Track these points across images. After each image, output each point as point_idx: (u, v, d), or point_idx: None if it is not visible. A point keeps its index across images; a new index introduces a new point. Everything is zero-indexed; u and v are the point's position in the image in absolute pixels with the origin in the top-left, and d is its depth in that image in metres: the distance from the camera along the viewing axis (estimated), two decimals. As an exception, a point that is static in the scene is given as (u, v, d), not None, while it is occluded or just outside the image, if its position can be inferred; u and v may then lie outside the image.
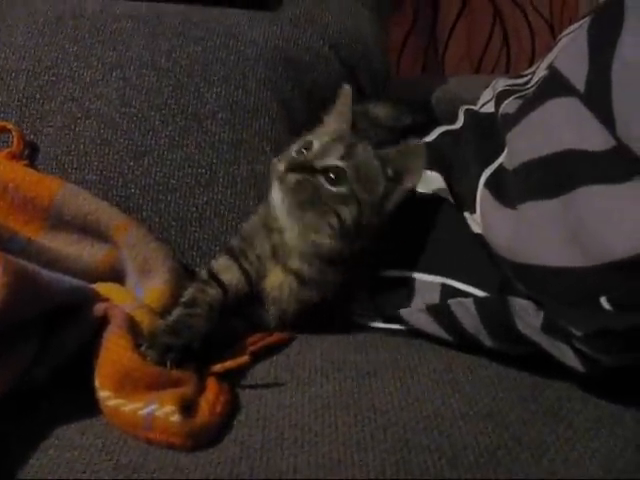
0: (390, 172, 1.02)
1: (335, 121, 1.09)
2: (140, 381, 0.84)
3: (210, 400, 0.84)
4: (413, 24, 2.65)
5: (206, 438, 0.80)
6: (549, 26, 2.72)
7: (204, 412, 0.82)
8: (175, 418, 0.78)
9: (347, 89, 1.09)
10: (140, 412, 0.80)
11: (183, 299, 1.01)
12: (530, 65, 1.25)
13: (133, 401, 0.82)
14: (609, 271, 0.72)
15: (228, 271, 1.06)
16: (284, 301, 1.06)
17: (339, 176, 0.98)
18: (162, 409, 0.79)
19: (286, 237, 1.04)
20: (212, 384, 0.87)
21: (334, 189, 0.98)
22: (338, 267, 1.03)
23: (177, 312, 0.98)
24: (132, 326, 0.91)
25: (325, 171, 0.98)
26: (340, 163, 0.99)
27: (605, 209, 0.73)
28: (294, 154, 1.02)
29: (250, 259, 1.08)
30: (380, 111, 1.34)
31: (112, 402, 0.82)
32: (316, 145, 1.01)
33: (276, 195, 1.02)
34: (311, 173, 0.98)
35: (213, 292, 1.02)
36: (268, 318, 1.07)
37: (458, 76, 2.14)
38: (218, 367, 0.92)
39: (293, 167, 0.98)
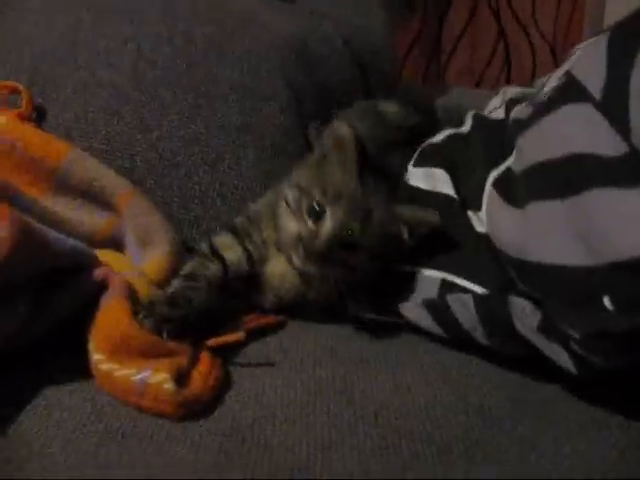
0: (405, 233, 1.01)
1: (340, 171, 1.01)
2: (135, 348, 0.84)
3: (203, 373, 0.84)
4: (418, 34, 2.66)
5: (197, 409, 0.81)
6: (550, 47, 2.75)
7: (197, 383, 0.82)
8: (168, 386, 0.79)
9: (348, 133, 1.01)
10: (133, 378, 0.80)
11: (183, 272, 1.01)
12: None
13: (126, 367, 0.82)
14: (614, 270, 0.74)
15: (230, 249, 1.06)
16: (283, 290, 1.07)
17: (358, 249, 0.98)
18: (155, 376, 0.79)
19: None
20: (205, 358, 0.88)
21: (354, 259, 0.98)
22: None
23: (176, 284, 0.98)
24: (130, 293, 0.91)
25: (345, 246, 0.98)
26: (357, 240, 0.98)
27: (615, 211, 0.74)
28: (307, 217, 0.99)
29: (254, 241, 1.07)
30: (389, 108, 1.35)
31: (105, 366, 0.82)
32: (329, 219, 0.97)
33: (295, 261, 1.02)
34: (330, 254, 0.97)
35: (214, 268, 1.02)
36: (265, 301, 1.07)
37: (460, 87, 2.16)
38: (212, 341, 0.92)
39: (312, 259, 0.97)
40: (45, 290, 0.87)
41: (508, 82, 2.75)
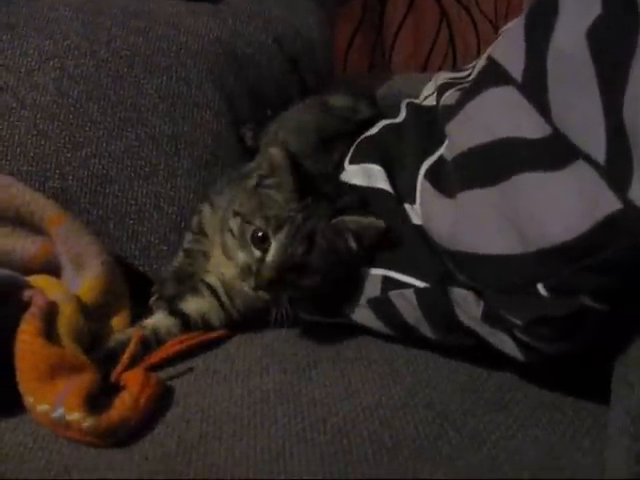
0: (352, 243, 0.99)
1: (279, 195, 0.99)
2: (42, 365, 0.82)
3: (134, 393, 0.83)
4: (360, 22, 2.65)
5: (126, 433, 0.79)
6: (494, 27, 2.75)
7: (126, 406, 0.81)
8: (87, 423, 0.77)
9: (280, 155, 0.98)
10: (52, 415, 0.78)
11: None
12: (476, 65, 1.25)
13: (40, 399, 0.80)
14: (545, 257, 0.73)
15: (188, 302, 1.08)
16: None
17: (307, 270, 0.97)
18: (71, 415, 0.77)
19: None
20: (139, 376, 0.86)
21: (305, 280, 0.97)
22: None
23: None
24: (48, 313, 0.89)
25: (294, 270, 0.96)
26: (304, 261, 0.96)
27: (541, 196, 0.73)
28: (252, 246, 0.97)
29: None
30: (338, 102, 1.33)
31: (27, 399, 0.81)
32: (274, 245, 0.95)
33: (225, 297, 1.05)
34: (280, 278, 0.96)
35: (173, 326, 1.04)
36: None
37: (404, 73, 2.14)
38: (147, 361, 0.93)
39: (263, 286, 0.95)
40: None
41: (454, 64, 2.75)
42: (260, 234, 0.96)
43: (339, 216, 0.98)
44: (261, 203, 0.99)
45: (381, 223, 0.98)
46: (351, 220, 0.98)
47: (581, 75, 0.72)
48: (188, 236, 1.15)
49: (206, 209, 1.13)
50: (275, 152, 0.99)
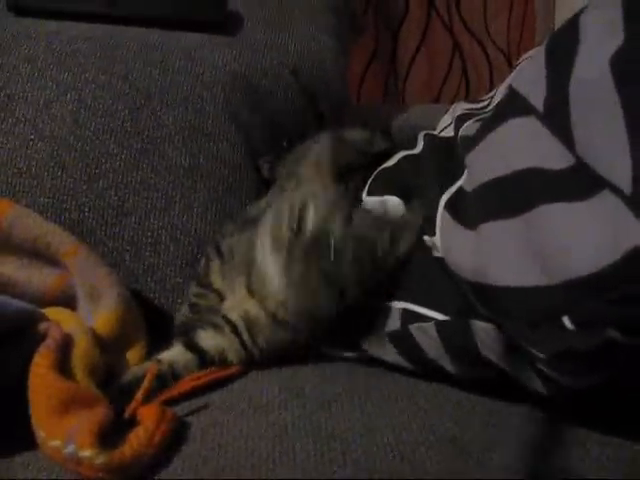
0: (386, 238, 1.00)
1: (314, 174, 1.04)
2: (53, 399, 0.81)
3: (149, 429, 0.80)
4: (373, 53, 2.66)
5: (140, 469, 0.77)
6: (507, 59, 2.76)
7: (140, 442, 0.78)
8: (100, 460, 0.74)
9: (326, 136, 1.04)
10: (63, 451, 0.76)
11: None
12: (488, 96, 1.25)
13: (51, 435, 0.78)
14: (571, 289, 0.71)
15: (207, 339, 1.05)
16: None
17: (340, 257, 0.96)
18: (83, 451, 0.75)
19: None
20: (154, 411, 0.84)
21: (336, 269, 0.96)
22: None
23: None
24: (63, 346, 0.88)
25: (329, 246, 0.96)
26: (341, 244, 0.96)
27: (566, 227, 0.72)
28: (286, 230, 0.97)
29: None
30: (354, 135, 1.33)
31: (39, 433, 0.79)
32: (312, 211, 0.97)
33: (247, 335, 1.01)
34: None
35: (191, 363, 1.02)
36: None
37: (419, 104, 2.15)
38: (163, 396, 0.91)
39: (299, 253, 0.95)
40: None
41: (467, 95, 2.75)
42: (297, 209, 0.97)
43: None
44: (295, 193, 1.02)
45: (417, 216, 1.00)
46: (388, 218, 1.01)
47: (605, 104, 0.71)
48: (193, 288, 1.13)
49: (213, 255, 1.12)
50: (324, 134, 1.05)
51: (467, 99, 2.42)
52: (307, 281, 0.95)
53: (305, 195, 1.00)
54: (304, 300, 0.97)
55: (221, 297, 1.09)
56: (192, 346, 1.03)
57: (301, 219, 0.97)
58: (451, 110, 1.25)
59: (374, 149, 1.28)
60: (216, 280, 1.10)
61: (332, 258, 0.94)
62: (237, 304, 1.05)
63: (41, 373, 0.83)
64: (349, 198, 1.00)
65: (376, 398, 0.92)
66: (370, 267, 0.98)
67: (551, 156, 0.76)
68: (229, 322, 1.05)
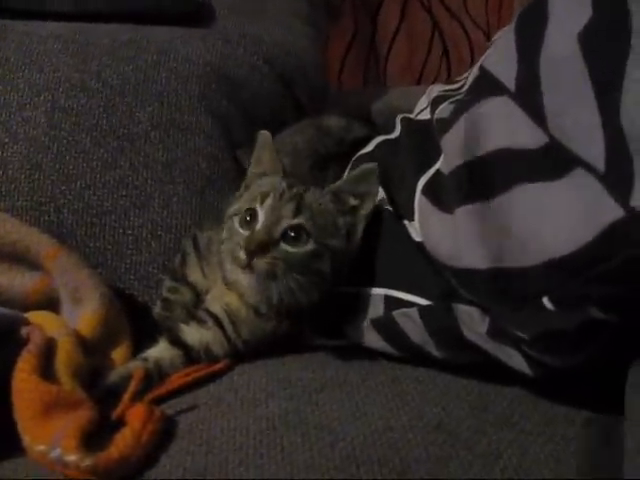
0: (352, 201, 0.99)
1: (265, 172, 1.02)
2: (36, 402, 0.81)
3: (136, 429, 0.80)
4: (353, 37, 2.65)
5: (127, 470, 0.77)
6: (486, 36, 2.74)
7: (127, 443, 0.78)
8: (86, 463, 0.74)
9: (266, 134, 1.03)
10: (49, 456, 0.76)
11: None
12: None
13: (36, 439, 0.78)
14: (549, 270, 0.71)
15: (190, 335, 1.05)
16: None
17: (300, 234, 0.94)
18: (68, 456, 0.75)
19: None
20: (141, 411, 0.84)
21: (302, 249, 0.95)
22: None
23: None
24: (45, 350, 0.88)
25: (284, 235, 0.94)
26: (295, 221, 0.94)
27: (541, 207, 0.72)
28: (240, 229, 0.96)
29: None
30: (332, 122, 1.33)
31: (25, 437, 0.79)
32: (261, 213, 0.95)
33: (244, 280, 0.98)
34: (274, 246, 0.93)
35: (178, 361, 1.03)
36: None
37: (399, 87, 2.14)
38: (149, 395, 0.91)
39: (255, 251, 0.92)
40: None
41: (449, 75, 2.74)
42: (249, 214, 0.95)
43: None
44: (249, 192, 1.01)
45: (371, 165, 0.98)
46: (344, 180, 1.00)
47: (575, 80, 0.71)
48: (167, 282, 1.14)
49: (190, 249, 1.12)
50: (263, 135, 1.03)
51: (448, 79, 2.43)
52: (270, 275, 0.95)
53: (260, 188, 0.99)
54: (272, 292, 0.97)
55: (195, 291, 1.10)
56: (177, 342, 1.03)
57: (253, 216, 0.96)
58: (427, 92, 1.24)
59: (352, 136, 1.28)
60: (192, 274, 1.11)
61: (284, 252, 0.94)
62: (218, 297, 1.05)
63: (24, 378, 0.82)
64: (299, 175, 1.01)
65: (363, 386, 0.92)
66: (337, 244, 0.98)
67: (524, 135, 0.76)
68: (212, 315, 1.05)
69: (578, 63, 0.71)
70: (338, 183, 0.99)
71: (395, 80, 2.71)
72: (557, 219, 0.70)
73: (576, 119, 0.70)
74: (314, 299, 0.98)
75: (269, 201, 0.95)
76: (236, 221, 0.97)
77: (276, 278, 0.94)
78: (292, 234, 0.94)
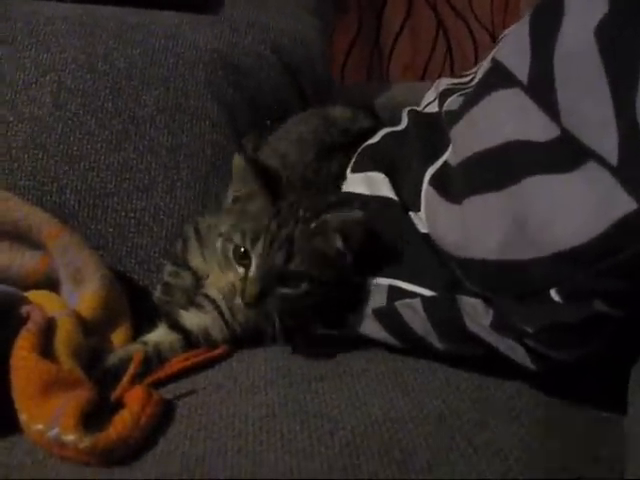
0: (338, 242, 0.96)
1: (252, 206, 0.98)
2: (36, 381, 0.80)
3: (134, 412, 0.80)
4: (357, 33, 2.64)
5: (125, 452, 0.77)
6: (491, 36, 2.74)
7: (125, 425, 0.78)
8: (84, 443, 0.74)
9: (239, 161, 0.98)
10: (47, 435, 0.76)
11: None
12: (473, 74, 1.24)
13: (34, 418, 0.78)
14: (558, 262, 0.71)
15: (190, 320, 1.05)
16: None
17: (293, 279, 0.94)
18: (67, 435, 0.75)
19: None
20: (140, 394, 0.83)
21: (296, 291, 0.95)
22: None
23: None
24: (45, 329, 0.88)
25: (278, 279, 0.94)
26: (288, 268, 0.94)
27: (552, 199, 0.72)
28: (235, 263, 0.95)
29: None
30: (337, 113, 1.31)
31: (22, 416, 0.79)
32: (254, 259, 0.93)
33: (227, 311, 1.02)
34: (269, 292, 0.94)
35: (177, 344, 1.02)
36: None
37: (403, 83, 2.13)
38: (149, 379, 0.91)
39: (251, 304, 0.94)
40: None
41: (452, 73, 2.74)
42: (242, 250, 0.95)
43: (322, 215, 0.96)
44: (238, 219, 0.98)
45: (358, 212, 0.95)
46: (333, 217, 0.95)
47: (590, 74, 0.71)
48: (168, 267, 1.14)
49: (192, 234, 1.12)
50: (236, 160, 0.98)
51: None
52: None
53: (249, 223, 0.97)
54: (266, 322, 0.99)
55: (196, 276, 1.10)
56: (176, 326, 1.02)
57: (246, 255, 0.95)
58: (435, 86, 1.24)
59: (358, 127, 1.27)
60: (193, 259, 1.10)
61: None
62: (216, 281, 1.04)
63: (23, 355, 0.82)
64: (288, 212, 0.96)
65: (363, 376, 0.92)
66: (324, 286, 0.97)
67: (535, 128, 0.76)
68: (210, 299, 1.05)
69: (594, 58, 0.71)
70: (326, 217, 0.95)
71: (398, 77, 2.71)
72: (568, 211, 0.70)
73: (590, 113, 0.70)
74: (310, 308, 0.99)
75: (259, 247, 0.93)
76: (230, 249, 0.96)
77: (271, 314, 0.96)
78: (285, 278, 0.94)
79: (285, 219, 0.95)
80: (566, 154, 0.71)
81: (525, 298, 0.76)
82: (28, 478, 0.75)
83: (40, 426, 0.76)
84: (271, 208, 0.96)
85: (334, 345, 1.01)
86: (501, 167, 0.78)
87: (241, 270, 0.95)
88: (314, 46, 1.58)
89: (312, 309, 0.99)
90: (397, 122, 1.20)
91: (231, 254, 0.96)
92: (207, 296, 1.06)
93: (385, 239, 1.00)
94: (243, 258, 0.95)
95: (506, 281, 0.78)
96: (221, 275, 1.02)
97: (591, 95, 0.70)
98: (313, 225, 0.95)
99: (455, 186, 0.88)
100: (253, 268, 0.93)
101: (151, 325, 1.04)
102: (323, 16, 1.71)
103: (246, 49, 1.44)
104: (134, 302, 1.08)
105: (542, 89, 0.76)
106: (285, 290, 0.94)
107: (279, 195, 0.97)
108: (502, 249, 0.78)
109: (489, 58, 0.93)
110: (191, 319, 1.03)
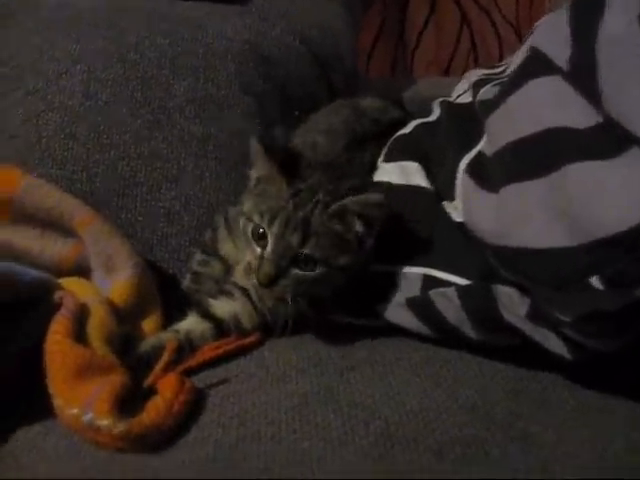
0: (358, 226, 0.96)
1: (271, 187, 0.98)
2: (71, 366, 0.80)
3: (167, 399, 0.80)
4: (381, 28, 2.64)
5: (159, 439, 0.77)
6: (514, 29, 2.73)
7: (159, 411, 0.78)
8: (118, 429, 0.74)
9: (257, 147, 0.98)
10: (81, 419, 0.76)
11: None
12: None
13: (69, 402, 0.78)
14: (600, 248, 0.70)
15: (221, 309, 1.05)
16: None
17: (308, 261, 0.94)
18: (101, 420, 0.75)
19: None
20: (173, 381, 0.84)
21: (311, 274, 0.94)
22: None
23: None
24: (78, 315, 0.88)
25: (294, 261, 0.93)
26: (303, 250, 0.93)
27: (595, 185, 0.71)
28: (254, 242, 0.96)
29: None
30: (367, 103, 1.31)
31: (56, 401, 0.79)
32: (270, 239, 0.94)
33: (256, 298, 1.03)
34: (283, 273, 0.93)
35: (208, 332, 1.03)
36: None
37: (427, 77, 2.13)
38: (181, 367, 0.90)
39: (266, 284, 0.93)
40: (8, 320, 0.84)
41: (476, 68, 2.72)
42: (260, 230, 0.95)
43: (342, 199, 0.95)
44: (258, 199, 0.98)
45: (378, 196, 0.94)
46: (352, 201, 0.94)
47: (634, 61, 0.70)
48: (197, 256, 1.14)
49: (221, 223, 1.13)
50: (252, 144, 0.98)
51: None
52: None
53: (268, 201, 0.97)
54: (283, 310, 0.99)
55: (226, 264, 1.10)
56: (207, 315, 1.02)
57: (263, 235, 0.95)
58: (466, 77, 1.23)
59: (388, 117, 1.26)
60: (223, 247, 1.11)
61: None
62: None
63: (58, 340, 0.82)
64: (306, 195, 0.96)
65: (395, 366, 0.91)
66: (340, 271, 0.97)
67: (576, 115, 0.75)
68: (239, 287, 1.05)
69: (638, 44, 0.70)
70: (345, 201, 0.94)
71: (422, 73, 2.70)
72: (611, 197, 0.69)
73: (634, 99, 0.69)
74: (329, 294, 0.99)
75: (275, 227, 0.93)
76: (249, 228, 0.96)
77: (286, 301, 0.96)
78: (301, 260, 0.94)
79: (303, 201, 0.94)
80: (609, 140, 0.71)
81: (564, 286, 0.75)
82: (63, 463, 0.75)
83: (75, 410, 0.76)
84: (287, 189, 0.95)
85: (361, 334, 1.00)
86: (541, 154, 0.78)
87: (258, 250, 0.95)
88: (343, 38, 1.58)
89: (331, 295, 0.99)
90: (426, 115, 1.20)
91: (250, 234, 0.96)
92: (236, 284, 1.06)
93: (418, 227, 0.99)
94: (261, 238, 0.95)
95: (544, 269, 0.77)
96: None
97: (635, 81, 0.70)
98: (332, 208, 0.94)
99: (491, 175, 0.88)
100: (269, 248, 0.94)
101: (181, 314, 1.04)
102: (352, 9, 1.71)
103: (275, 40, 1.44)
104: (164, 291, 1.08)
105: (583, 76, 0.75)
106: (300, 272, 0.94)
107: (297, 176, 0.97)
108: (541, 237, 0.77)
109: (524, 47, 0.92)
110: (221, 307, 1.03)
